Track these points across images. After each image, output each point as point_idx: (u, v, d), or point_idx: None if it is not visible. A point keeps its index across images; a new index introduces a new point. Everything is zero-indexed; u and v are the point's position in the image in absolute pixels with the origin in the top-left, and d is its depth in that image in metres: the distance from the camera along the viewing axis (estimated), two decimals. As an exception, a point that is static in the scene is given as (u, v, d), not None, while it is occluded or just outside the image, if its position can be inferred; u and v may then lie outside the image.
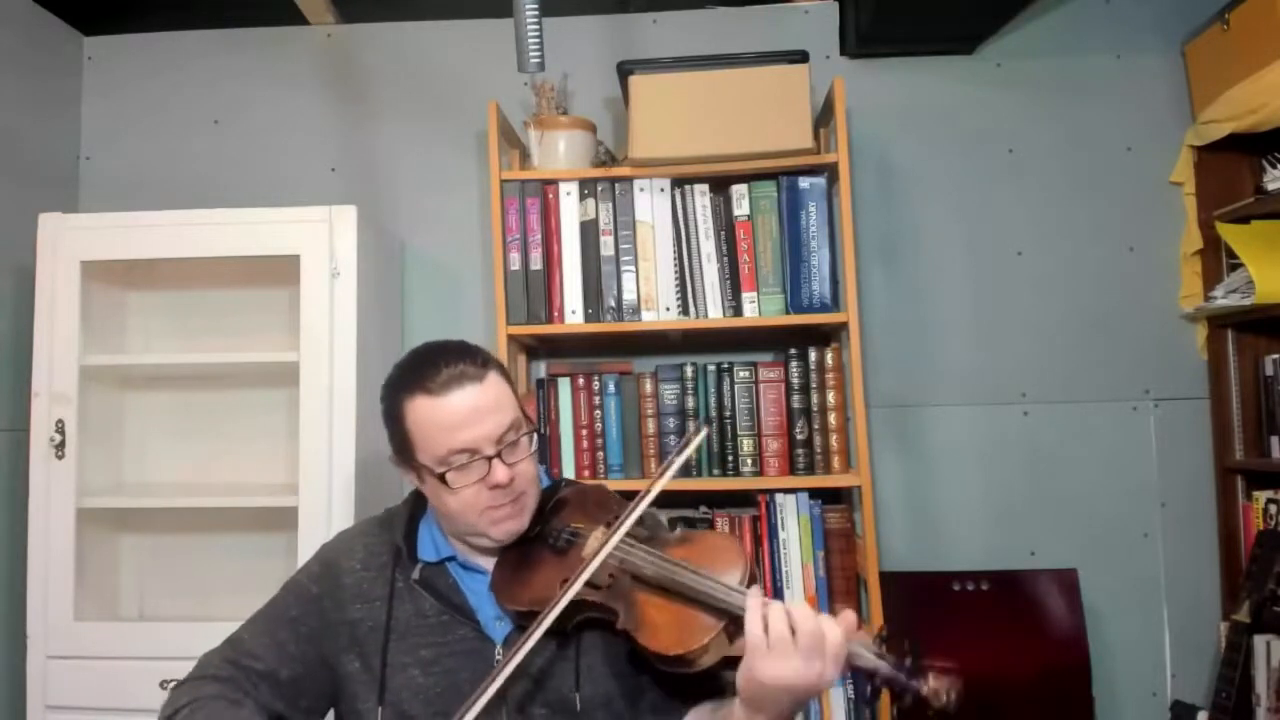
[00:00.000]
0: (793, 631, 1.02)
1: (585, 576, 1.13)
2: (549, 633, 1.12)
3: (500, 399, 1.21)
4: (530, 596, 1.18)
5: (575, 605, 1.13)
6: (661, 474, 1.20)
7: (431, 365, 1.20)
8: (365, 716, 1.19)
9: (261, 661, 1.20)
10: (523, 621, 1.19)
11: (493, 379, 1.21)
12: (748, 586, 1.12)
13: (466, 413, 1.17)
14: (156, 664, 1.89)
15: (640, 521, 1.21)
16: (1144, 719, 2.22)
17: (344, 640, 1.22)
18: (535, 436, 1.25)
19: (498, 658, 1.18)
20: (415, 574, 1.24)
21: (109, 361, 2.09)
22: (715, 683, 1.23)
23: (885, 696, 1.07)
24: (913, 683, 1.01)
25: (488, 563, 1.26)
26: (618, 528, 1.16)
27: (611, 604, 1.15)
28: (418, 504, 1.33)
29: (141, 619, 2.18)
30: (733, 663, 1.11)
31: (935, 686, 1.00)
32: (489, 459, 1.17)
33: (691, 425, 2.07)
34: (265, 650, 1.21)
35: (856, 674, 1.05)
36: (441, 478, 1.17)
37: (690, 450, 1.21)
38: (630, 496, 1.33)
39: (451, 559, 1.26)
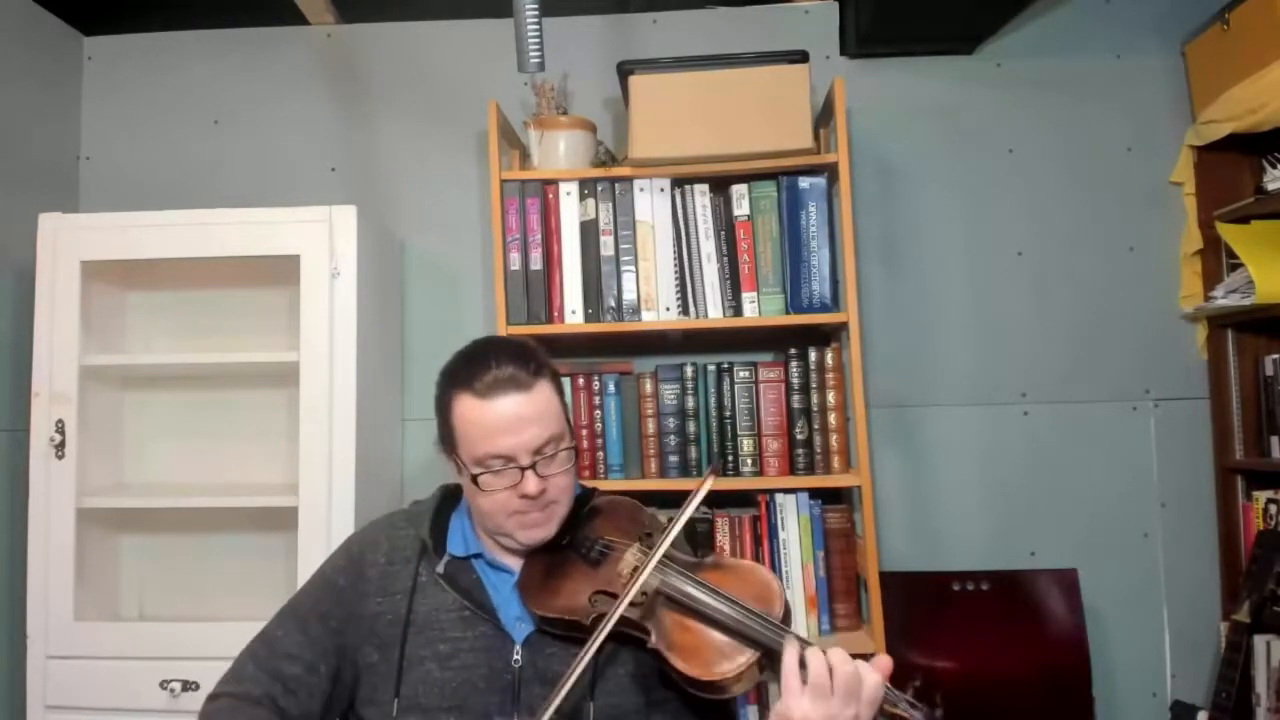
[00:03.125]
0: (830, 674, 1.03)
1: (633, 593, 1.12)
2: (575, 640, 1.12)
3: (545, 410, 1.20)
4: (560, 604, 1.18)
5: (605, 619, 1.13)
6: (694, 496, 1.19)
7: (482, 363, 1.20)
8: (380, 709, 1.19)
9: (299, 662, 1.20)
10: (546, 627, 1.19)
11: (541, 388, 1.20)
12: (783, 620, 1.12)
13: (508, 420, 1.17)
14: (156, 664, 1.90)
15: (673, 544, 1.21)
16: (1144, 719, 2.22)
17: (364, 632, 1.22)
18: (574, 452, 1.24)
19: (515, 658, 1.18)
20: (440, 568, 1.24)
21: (109, 361, 2.10)
22: (729, 709, 1.24)
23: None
24: None
25: (514, 563, 1.26)
26: (659, 547, 1.16)
27: (644, 623, 1.14)
28: (446, 499, 1.33)
29: (141, 619, 2.18)
30: None
31: None
32: (522, 469, 1.18)
33: (691, 425, 2.07)
34: (301, 648, 1.21)
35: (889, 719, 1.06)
36: (474, 478, 1.18)
37: (707, 488, 1.20)
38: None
39: (479, 556, 1.27)
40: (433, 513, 1.30)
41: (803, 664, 1.04)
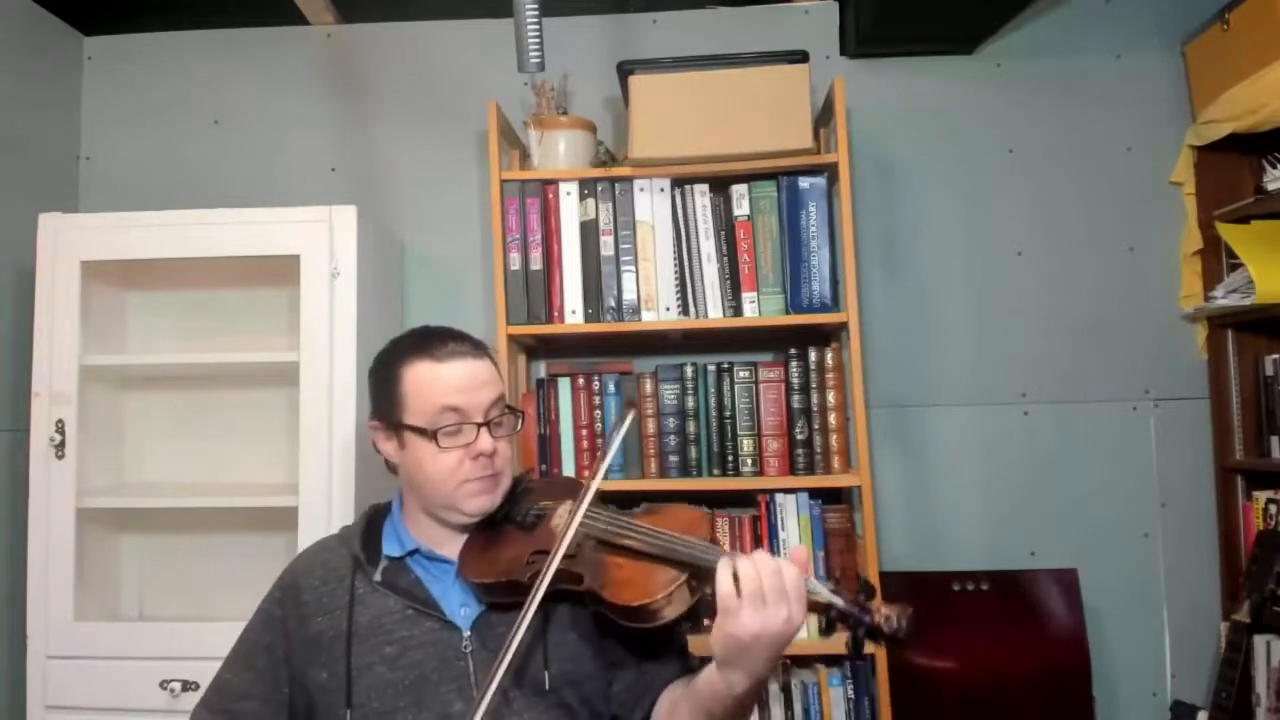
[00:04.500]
0: (760, 578, 1.05)
1: (568, 538, 1.16)
2: (520, 607, 1.14)
3: (494, 378, 1.30)
4: (498, 570, 1.22)
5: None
6: (605, 450, 1.27)
7: (437, 337, 1.30)
8: None
9: (252, 698, 1.23)
10: (490, 597, 1.22)
11: (489, 362, 1.32)
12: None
13: (464, 378, 1.26)
14: (156, 664, 1.90)
15: (605, 502, 1.26)
16: (1144, 719, 2.22)
17: (310, 654, 1.23)
18: (518, 419, 1.32)
19: (465, 644, 1.21)
20: (377, 576, 1.26)
21: (109, 361, 2.09)
22: (685, 659, 1.28)
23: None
24: (865, 616, 1.04)
25: (452, 551, 1.28)
26: (584, 494, 1.20)
27: (576, 570, 1.19)
28: (375, 514, 1.36)
29: (141, 619, 2.18)
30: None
31: (886, 613, 1.04)
32: (478, 426, 1.24)
33: (691, 425, 2.07)
34: (251, 684, 1.23)
35: (814, 610, 1.08)
36: (433, 436, 1.23)
37: (626, 427, 1.29)
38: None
39: (415, 552, 1.29)
40: (362, 528, 1.32)
41: (735, 577, 1.05)
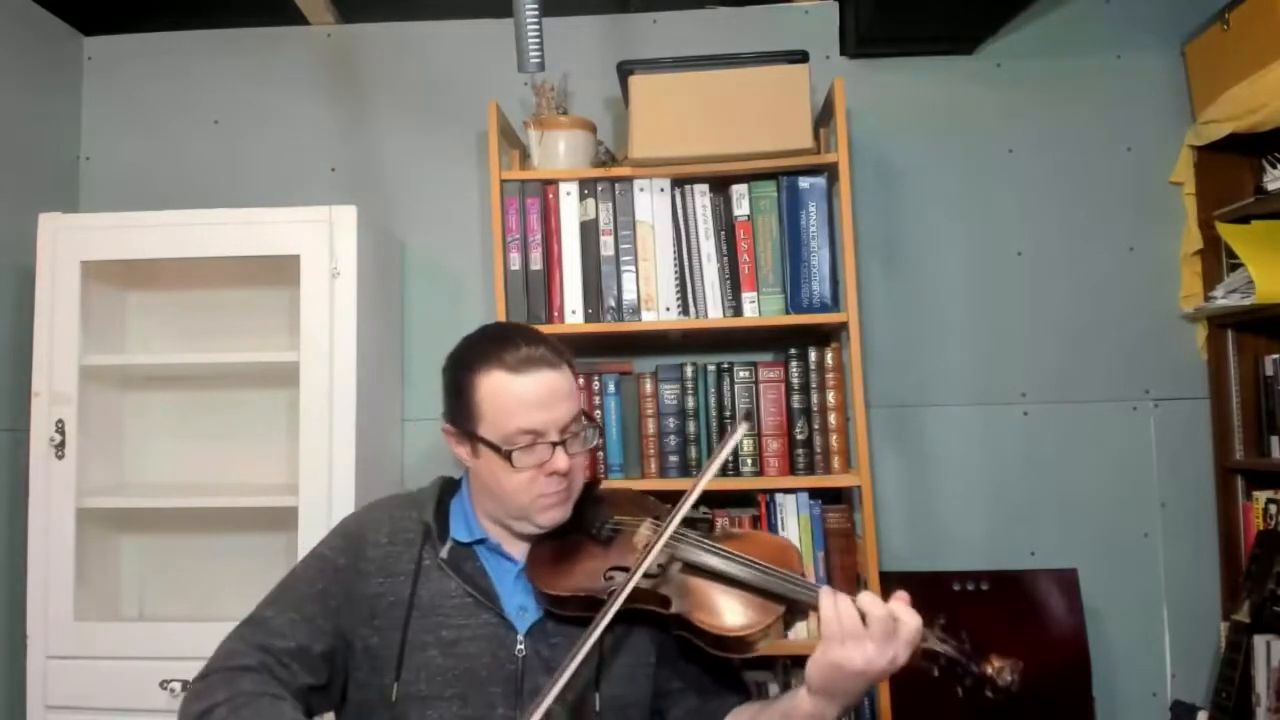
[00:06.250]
0: (864, 618, 1.04)
1: (649, 561, 1.12)
2: (586, 623, 1.11)
3: (571, 390, 1.23)
4: (573, 584, 1.18)
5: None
6: (708, 467, 1.20)
7: (511, 342, 1.21)
8: (379, 692, 1.17)
9: (292, 639, 1.17)
10: (559, 609, 1.18)
11: (567, 370, 1.23)
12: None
13: (541, 394, 1.18)
14: (156, 664, 1.90)
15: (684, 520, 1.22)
16: (1144, 719, 2.22)
17: (363, 613, 1.20)
18: (596, 433, 1.28)
19: (519, 648, 1.18)
20: (444, 553, 1.22)
21: (109, 361, 2.10)
22: (742, 682, 1.26)
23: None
24: (974, 666, 1.04)
25: (519, 551, 1.25)
26: (674, 515, 1.16)
27: (661, 591, 1.16)
28: (446, 487, 1.32)
29: (141, 619, 2.18)
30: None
31: (999, 666, 1.04)
32: (553, 445, 1.18)
33: (691, 425, 2.07)
34: (294, 628, 1.18)
35: (923, 657, 1.08)
36: (507, 455, 1.17)
37: (733, 443, 1.22)
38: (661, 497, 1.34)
39: (482, 542, 1.25)
40: (435, 498, 1.28)
41: (839, 615, 1.05)
